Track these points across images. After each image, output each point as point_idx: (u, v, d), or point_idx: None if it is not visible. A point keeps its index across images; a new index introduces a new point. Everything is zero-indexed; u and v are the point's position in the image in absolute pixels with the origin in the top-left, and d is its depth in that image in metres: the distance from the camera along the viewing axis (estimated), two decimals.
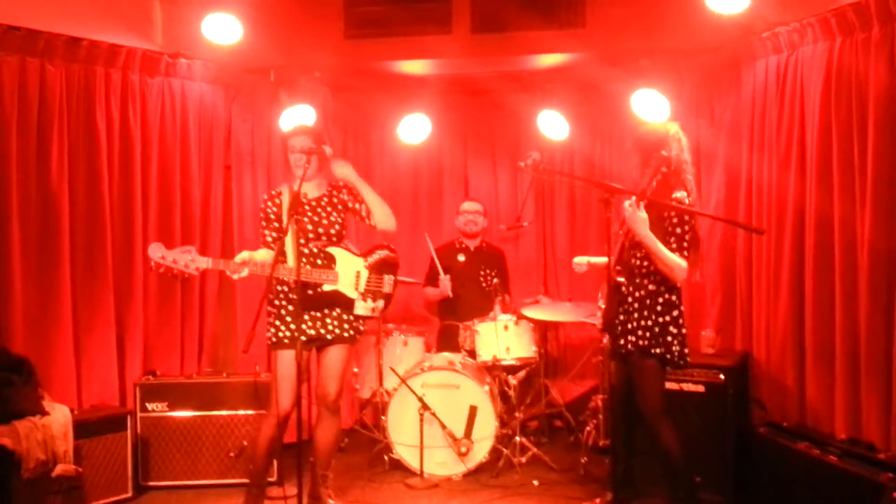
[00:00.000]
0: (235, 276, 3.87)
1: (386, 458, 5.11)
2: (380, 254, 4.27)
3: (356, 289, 4.12)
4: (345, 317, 4.11)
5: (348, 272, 4.11)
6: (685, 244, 3.68)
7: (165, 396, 4.74)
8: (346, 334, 4.11)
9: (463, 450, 4.89)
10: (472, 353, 5.25)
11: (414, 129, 6.05)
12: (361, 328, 4.23)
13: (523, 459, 5.07)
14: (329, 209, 4.17)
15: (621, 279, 3.80)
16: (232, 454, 4.73)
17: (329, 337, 4.08)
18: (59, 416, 4.15)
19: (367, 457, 5.28)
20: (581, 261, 4.44)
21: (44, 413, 4.10)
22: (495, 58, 5.45)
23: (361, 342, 4.52)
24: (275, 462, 4.49)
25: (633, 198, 3.61)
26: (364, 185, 4.21)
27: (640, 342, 3.75)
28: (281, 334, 4.03)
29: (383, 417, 5.09)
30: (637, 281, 3.79)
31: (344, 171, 4.16)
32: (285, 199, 4.09)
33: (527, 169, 4.15)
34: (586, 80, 5.78)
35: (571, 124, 5.96)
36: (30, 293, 4.60)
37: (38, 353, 4.49)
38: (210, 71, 5.38)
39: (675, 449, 3.72)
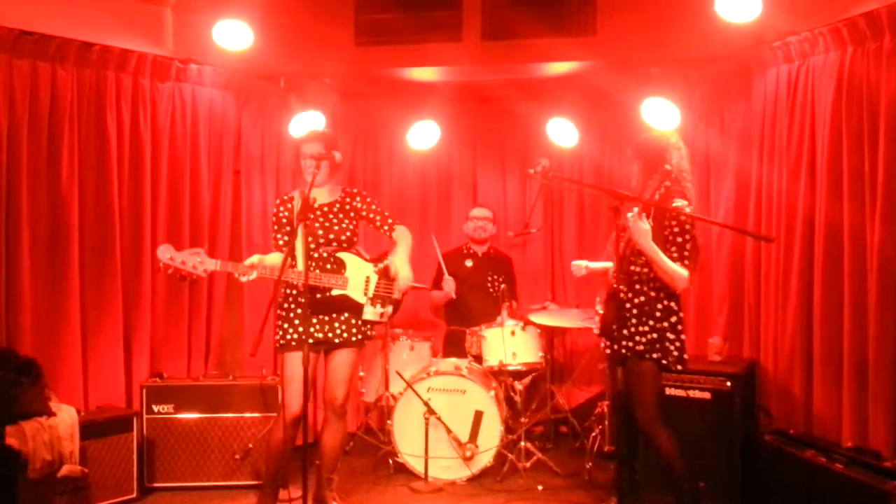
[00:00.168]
0: (244, 279, 3.88)
1: (391, 461, 5.12)
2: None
3: (365, 294, 4.13)
4: (353, 321, 4.12)
5: (358, 277, 4.12)
6: (686, 253, 3.69)
7: (172, 398, 4.76)
8: (353, 338, 4.12)
9: (468, 454, 4.89)
10: (478, 359, 5.26)
11: (423, 135, 6.06)
12: (371, 333, 4.24)
13: (528, 464, 5.06)
14: (341, 215, 4.18)
15: (620, 286, 3.81)
16: (237, 456, 4.73)
17: (336, 341, 4.09)
18: (65, 417, 4.16)
19: (372, 460, 5.30)
20: (580, 264, 4.47)
21: (50, 414, 4.11)
22: (505, 65, 5.46)
23: (368, 346, 4.53)
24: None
25: (636, 209, 3.62)
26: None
27: (637, 347, 3.76)
28: (289, 336, 4.05)
29: (389, 421, 5.09)
30: (637, 287, 3.79)
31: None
32: (297, 204, 4.11)
33: (536, 176, 4.14)
34: (596, 87, 5.77)
35: (581, 132, 5.96)
36: (38, 295, 4.63)
37: (45, 354, 4.51)
38: (220, 77, 5.41)
39: (673, 455, 3.72)
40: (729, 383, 4.35)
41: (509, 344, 5.14)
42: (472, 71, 5.59)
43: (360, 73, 5.56)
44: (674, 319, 3.78)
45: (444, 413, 4.91)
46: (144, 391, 4.77)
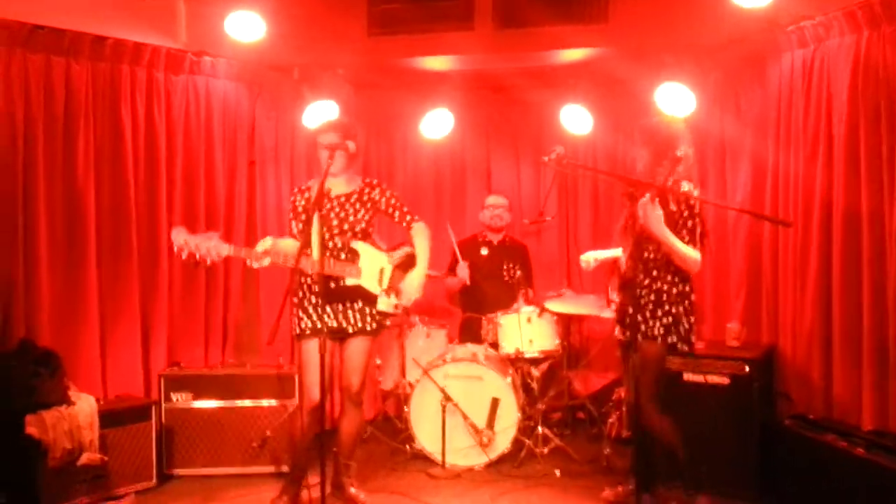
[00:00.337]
0: (256, 265, 3.90)
1: (408, 448, 5.14)
2: (405, 250, 4.29)
3: (380, 284, 4.14)
4: (367, 310, 4.13)
5: (372, 268, 4.13)
6: (697, 236, 3.69)
7: (189, 387, 4.78)
8: (368, 327, 4.13)
9: (485, 440, 4.90)
10: (494, 346, 5.26)
11: (436, 124, 6.06)
12: (387, 322, 4.25)
13: (545, 450, 5.06)
14: (357, 206, 4.18)
15: (636, 273, 3.80)
16: (255, 444, 4.75)
17: (350, 329, 4.11)
18: (84, 407, 4.20)
19: (390, 447, 5.31)
20: (587, 258, 4.44)
21: (70, 403, 4.16)
22: (517, 53, 5.45)
23: (384, 334, 4.54)
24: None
25: (647, 195, 3.60)
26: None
27: (654, 332, 3.76)
28: (304, 325, 4.07)
29: (406, 409, 5.11)
30: (652, 273, 3.79)
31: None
32: (314, 194, 4.11)
33: (550, 163, 4.12)
34: (609, 74, 5.73)
35: (594, 119, 5.93)
36: (57, 287, 4.67)
37: (64, 344, 4.55)
38: (234, 68, 5.43)
39: (669, 437, 3.73)
40: (747, 368, 4.33)
41: (526, 331, 5.13)
42: (485, 59, 5.58)
43: (373, 63, 5.56)
44: (687, 303, 3.79)
45: (461, 400, 4.92)
46: (162, 380, 4.80)
